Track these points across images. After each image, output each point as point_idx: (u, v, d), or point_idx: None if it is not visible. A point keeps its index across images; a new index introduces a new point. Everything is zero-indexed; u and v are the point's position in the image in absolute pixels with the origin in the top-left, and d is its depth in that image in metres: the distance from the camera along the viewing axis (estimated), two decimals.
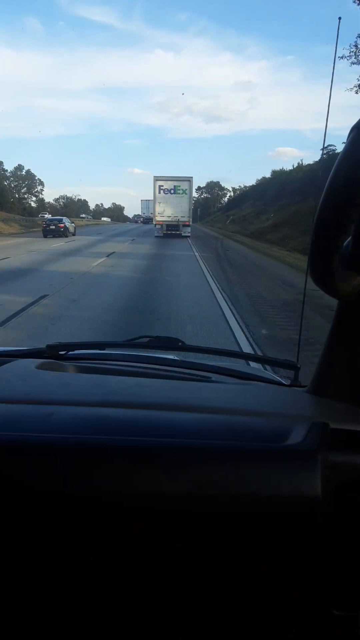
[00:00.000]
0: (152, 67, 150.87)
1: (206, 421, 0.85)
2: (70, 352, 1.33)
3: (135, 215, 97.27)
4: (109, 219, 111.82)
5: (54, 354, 1.29)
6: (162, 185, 29.23)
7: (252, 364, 2.70)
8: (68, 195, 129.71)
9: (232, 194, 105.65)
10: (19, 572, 0.78)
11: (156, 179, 29.48)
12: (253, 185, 71.03)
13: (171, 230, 28.45)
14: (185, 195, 29.28)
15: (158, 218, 29.11)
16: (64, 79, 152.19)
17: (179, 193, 29.15)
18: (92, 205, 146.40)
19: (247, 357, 2.24)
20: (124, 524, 0.75)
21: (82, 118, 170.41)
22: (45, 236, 30.22)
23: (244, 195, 69.43)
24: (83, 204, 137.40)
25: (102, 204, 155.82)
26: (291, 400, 1.00)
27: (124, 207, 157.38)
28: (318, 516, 0.73)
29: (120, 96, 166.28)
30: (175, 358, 1.45)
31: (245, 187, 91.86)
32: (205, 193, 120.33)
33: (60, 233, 30.75)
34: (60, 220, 32.62)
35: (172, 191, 29.18)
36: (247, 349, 5.29)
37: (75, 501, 0.74)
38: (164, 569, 0.78)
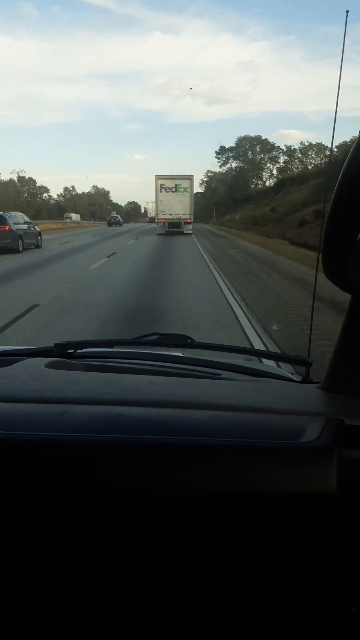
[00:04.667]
0: (151, 50, 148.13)
1: (220, 419, 0.85)
2: (79, 351, 1.33)
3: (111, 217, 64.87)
4: (77, 216, 75.59)
5: (62, 353, 1.28)
6: (164, 184, 29.44)
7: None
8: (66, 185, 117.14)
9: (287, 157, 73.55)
10: (37, 565, 0.78)
11: (157, 177, 29.71)
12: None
13: (173, 228, 28.62)
14: (187, 193, 29.43)
15: (160, 216, 29.34)
16: (61, 65, 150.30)
17: (180, 191, 29.33)
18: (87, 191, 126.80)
19: (256, 354, 2.24)
20: (141, 521, 0.75)
21: (81, 104, 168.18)
22: None
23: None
24: (87, 196, 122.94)
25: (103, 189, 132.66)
26: (304, 397, 1.00)
27: (108, 192, 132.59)
28: (334, 513, 0.72)
29: (119, 81, 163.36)
30: (184, 355, 1.44)
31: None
32: (235, 160, 77.82)
33: None
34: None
35: (173, 189, 29.37)
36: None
37: (92, 499, 0.74)
38: (181, 565, 0.78)
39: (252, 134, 77.86)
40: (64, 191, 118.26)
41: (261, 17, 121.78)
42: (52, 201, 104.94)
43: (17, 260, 14.13)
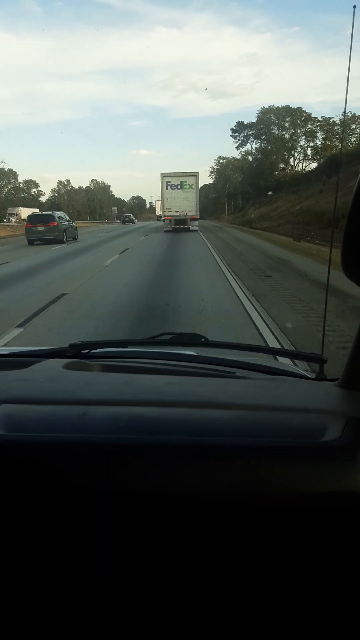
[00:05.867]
0: (155, 45, 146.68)
1: (239, 418, 0.85)
2: (93, 351, 1.33)
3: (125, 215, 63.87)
4: (30, 212, 34.62)
5: (77, 353, 1.29)
6: (169, 181, 29.59)
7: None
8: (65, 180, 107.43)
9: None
10: (50, 564, 0.78)
11: (163, 175, 29.88)
12: None
13: (179, 225, 28.76)
14: (192, 190, 29.52)
15: (166, 213, 29.53)
16: (64, 62, 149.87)
17: (186, 188, 29.46)
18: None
19: (270, 351, 2.23)
20: (167, 522, 0.75)
21: (85, 101, 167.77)
22: None
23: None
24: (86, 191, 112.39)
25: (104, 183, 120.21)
26: (322, 395, 0.99)
27: (109, 186, 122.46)
28: (358, 513, 0.72)
29: (123, 77, 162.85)
30: (197, 354, 1.44)
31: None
32: (256, 139, 60.93)
33: None
34: None
35: (179, 187, 29.50)
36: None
37: (116, 500, 0.74)
38: (208, 563, 0.78)
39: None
40: (58, 185, 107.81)
41: (264, 8, 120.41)
42: (42, 197, 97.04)
43: (63, 248, 19.71)
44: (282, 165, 59.50)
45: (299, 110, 59.07)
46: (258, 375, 1.20)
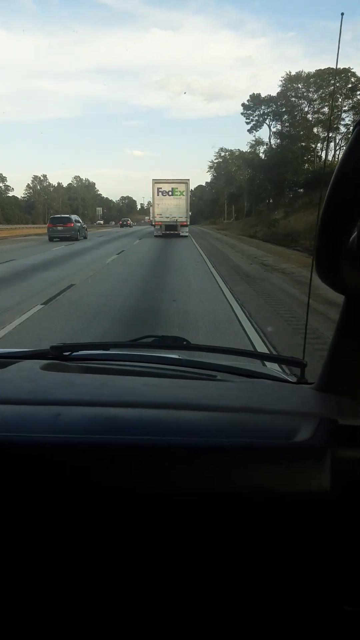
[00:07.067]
0: (150, 46, 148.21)
1: (215, 419, 0.85)
2: (75, 353, 1.33)
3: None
4: None
5: (58, 355, 1.28)
6: (161, 188, 29.98)
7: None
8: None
9: None
10: (27, 565, 0.78)
11: (155, 181, 30.29)
12: None
13: (170, 231, 29.09)
14: (183, 197, 29.92)
15: (157, 219, 29.85)
16: (59, 61, 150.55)
17: (177, 195, 29.87)
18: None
19: (252, 355, 2.24)
20: (138, 522, 0.75)
21: (80, 100, 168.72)
22: None
23: None
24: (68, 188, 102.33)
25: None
26: (298, 397, 1.00)
27: (94, 184, 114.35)
28: (327, 512, 0.73)
29: (118, 77, 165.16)
30: (179, 357, 1.44)
31: None
32: (276, 120, 44.79)
33: None
34: None
35: (170, 193, 29.92)
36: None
37: (89, 501, 0.74)
38: (176, 566, 0.78)
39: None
40: (33, 181, 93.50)
41: (260, 13, 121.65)
42: (9, 193, 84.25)
43: (78, 244, 24.51)
44: (321, 154, 39.57)
45: (346, 73, 36.38)
46: (238, 379, 1.21)
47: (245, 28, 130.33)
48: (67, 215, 31.00)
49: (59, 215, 32.33)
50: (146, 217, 76.73)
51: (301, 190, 33.83)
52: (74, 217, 30.35)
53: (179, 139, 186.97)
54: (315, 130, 41.43)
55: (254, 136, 51.42)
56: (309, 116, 42.28)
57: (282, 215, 31.28)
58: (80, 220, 31.61)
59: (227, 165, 61.49)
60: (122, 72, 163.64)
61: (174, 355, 1.49)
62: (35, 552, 0.77)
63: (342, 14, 1.01)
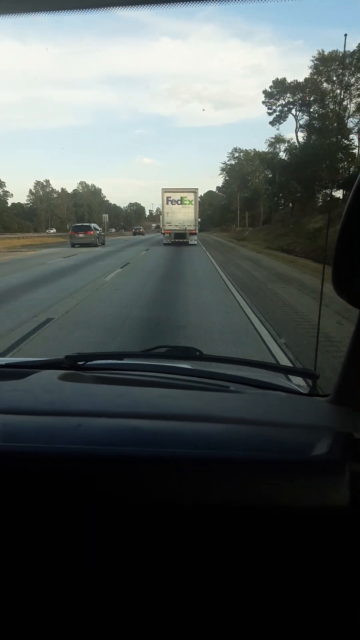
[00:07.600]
0: (160, 55, 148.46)
1: (231, 432, 0.86)
2: (89, 363, 1.34)
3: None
4: None
5: (73, 365, 1.30)
6: (170, 197, 30.34)
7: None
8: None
9: None
10: (42, 574, 0.79)
11: (164, 190, 30.67)
12: None
13: (179, 239, 29.34)
14: (192, 206, 30.23)
15: (166, 227, 30.20)
16: (70, 69, 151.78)
17: (186, 203, 30.20)
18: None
19: (264, 366, 2.24)
20: (155, 534, 0.76)
21: (89, 108, 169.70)
22: None
23: None
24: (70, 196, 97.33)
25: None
26: (313, 410, 1.01)
27: (100, 190, 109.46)
28: (345, 528, 0.73)
29: (127, 85, 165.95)
30: (192, 367, 1.45)
31: None
32: (304, 111, 38.84)
33: None
34: None
35: (179, 202, 30.23)
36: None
37: (111, 511, 0.75)
38: (189, 577, 0.78)
39: (262, 138, 40.71)
40: (35, 186, 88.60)
41: (268, 22, 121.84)
42: (9, 200, 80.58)
43: (98, 249, 27.16)
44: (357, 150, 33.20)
45: None
46: (251, 390, 1.21)
47: (253, 37, 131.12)
48: (88, 224, 34.71)
49: (80, 224, 36.20)
50: (153, 225, 75.06)
51: (340, 191, 27.59)
52: (93, 225, 33.61)
53: (187, 146, 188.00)
54: (350, 121, 33.33)
55: (277, 129, 45.38)
56: (347, 103, 33.62)
57: (322, 223, 24.00)
58: (99, 228, 34.70)
59: (241, 167, 54.68)
60: (132, 80, 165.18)
61: (186, 365, 1.50)
62: (52, 562, 0.78)
63: (346, 35, 1.02)
